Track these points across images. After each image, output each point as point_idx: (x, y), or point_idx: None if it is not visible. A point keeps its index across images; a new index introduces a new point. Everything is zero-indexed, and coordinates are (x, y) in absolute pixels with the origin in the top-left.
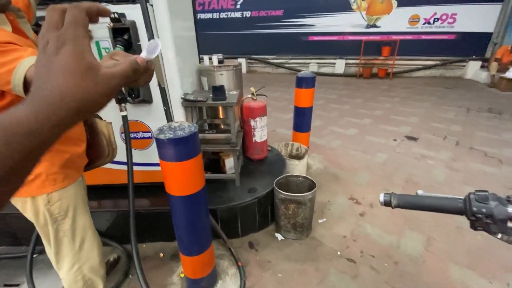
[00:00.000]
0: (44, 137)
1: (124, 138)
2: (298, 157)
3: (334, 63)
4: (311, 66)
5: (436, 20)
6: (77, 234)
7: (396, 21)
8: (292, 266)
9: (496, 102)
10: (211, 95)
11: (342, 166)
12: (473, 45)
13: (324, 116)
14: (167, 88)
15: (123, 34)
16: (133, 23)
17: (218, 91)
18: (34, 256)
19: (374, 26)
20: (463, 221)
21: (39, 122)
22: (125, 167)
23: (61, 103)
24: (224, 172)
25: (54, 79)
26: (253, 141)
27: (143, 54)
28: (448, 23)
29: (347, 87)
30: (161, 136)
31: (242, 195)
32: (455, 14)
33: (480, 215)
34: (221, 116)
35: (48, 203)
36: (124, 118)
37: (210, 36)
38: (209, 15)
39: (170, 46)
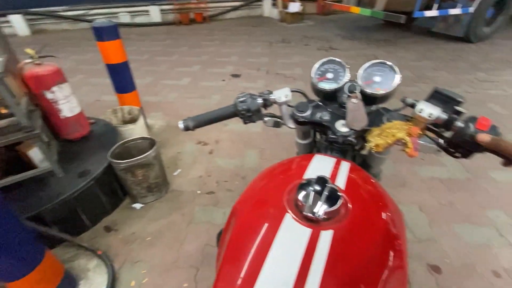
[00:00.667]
0: None
1: None
2: (133, 120)
3: (148, 11)
4: (122, 16)
5: None
6: None
7: None
8: (159, 224)
9: (286, 34)
10: None
11: (183, 116)
12: None
13: (154, 71)
14: None
15: None
16: None
17: None
18: None
19: None
20: (279, 132)
21: None
22: None
23: None
24: (34, 167)
25: None
26: (62, 117)
27: None
28: None
29: (170, 36)
30: None
31: (72, 184)
32: None
33: (243, 112)
34: None
35: None
36: None
37: None
38: None
39: None
